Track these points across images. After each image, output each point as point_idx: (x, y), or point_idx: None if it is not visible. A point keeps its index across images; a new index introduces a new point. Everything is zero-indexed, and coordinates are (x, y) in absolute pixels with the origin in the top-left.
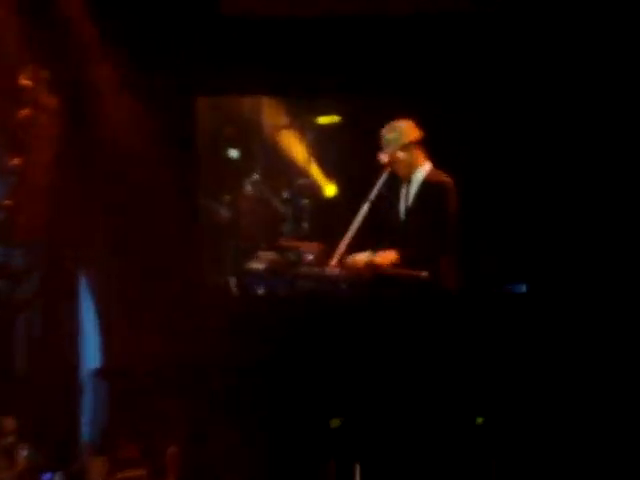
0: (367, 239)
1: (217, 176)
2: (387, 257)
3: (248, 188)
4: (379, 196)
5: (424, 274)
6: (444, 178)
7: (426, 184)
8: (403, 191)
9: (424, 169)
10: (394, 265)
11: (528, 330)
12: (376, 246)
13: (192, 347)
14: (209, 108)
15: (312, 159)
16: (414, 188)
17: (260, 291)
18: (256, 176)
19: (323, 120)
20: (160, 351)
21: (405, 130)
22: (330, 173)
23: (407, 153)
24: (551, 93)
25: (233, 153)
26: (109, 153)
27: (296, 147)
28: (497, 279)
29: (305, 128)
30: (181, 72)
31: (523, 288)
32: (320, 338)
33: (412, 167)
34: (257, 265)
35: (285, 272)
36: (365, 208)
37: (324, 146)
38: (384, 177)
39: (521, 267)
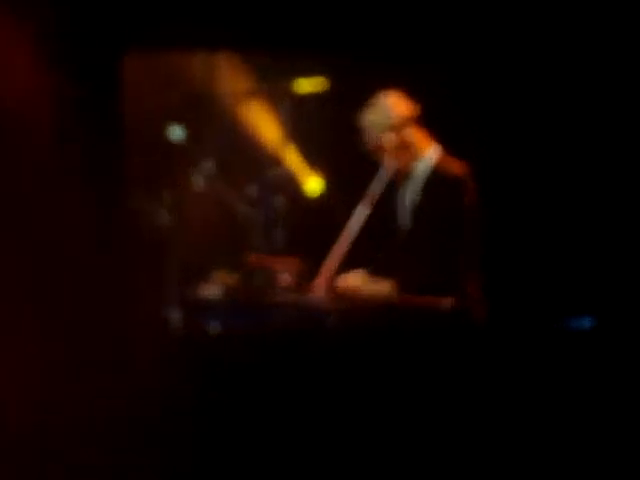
0: (364, 251)
1: (153, 166)
2: (354, 279)
3: (198, 182)
4: (383, 195)
5: (446, 302)
6: (457, 169)
7: (433, 178)
8: (401, 190)
9: (429, 157)
10: (402, 290)
11: (592, 379)
12: (374, 260)
13: (114, 412)
14: (142, 69)
15: (288, 141)
16: (417, 185)
17: (215, 328)
18: (210, 165)
19: (304, 85)
20: (77, 407)
21: (392, 106)
22: (314, 161)
23: (399, 136)
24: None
25: (176, 133)
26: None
27: (266, 124)
28: (546, 309)
29: (278, 96)
30: (102, 18)
31: (586, 323)
32: (300, 393)
33: (412, 156)
34: (211, 291)
35: (251, 300)
36: (363, 211)
37: (305, 123)
38: (386, 168)
39: (583, 294)
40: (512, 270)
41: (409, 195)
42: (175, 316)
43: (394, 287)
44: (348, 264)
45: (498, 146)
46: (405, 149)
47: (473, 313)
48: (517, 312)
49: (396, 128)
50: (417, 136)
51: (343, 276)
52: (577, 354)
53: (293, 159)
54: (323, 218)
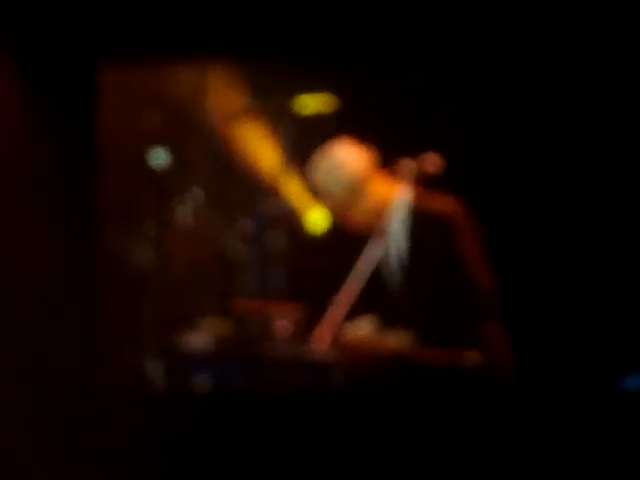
0: (374, 296)
1: (132, 194)
2: (360, 329)
3: (183, 215)
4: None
5: (472, 356)
6: (441, 204)
7: (414, 221)
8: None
9: (403, 197)
10: (420, 342)
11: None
12: (385, 307)
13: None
14: (120, 83)
15: (288, 167)
16: (398, 228)
17: (202, 385)
18: (197, 195)
19: (306, 103)
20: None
21: (351, 164)
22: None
23: (364, 198)
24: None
25: (159, 157)
26: None
27: (262, 148)
28: (587, 366)
29: (277, 116)
30: (77, 26)
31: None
32: (300, 461)
33: (384, 207)
34: (198, 341)
35: (244, 353)
36: (372, 247)
37: (308, 146)
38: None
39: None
40: (541, 321)
41: (394, 244)
42: (156, 370)
43: (411, 338)
44: (356, 311)
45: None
46: (377, 206)
47: (499, 369)
48: (550, 369)
49: (358, 187)
50: (383, 182)
51: (350, 325)
52: (630, 418)
53: (293, 189)
54: (327, 257)
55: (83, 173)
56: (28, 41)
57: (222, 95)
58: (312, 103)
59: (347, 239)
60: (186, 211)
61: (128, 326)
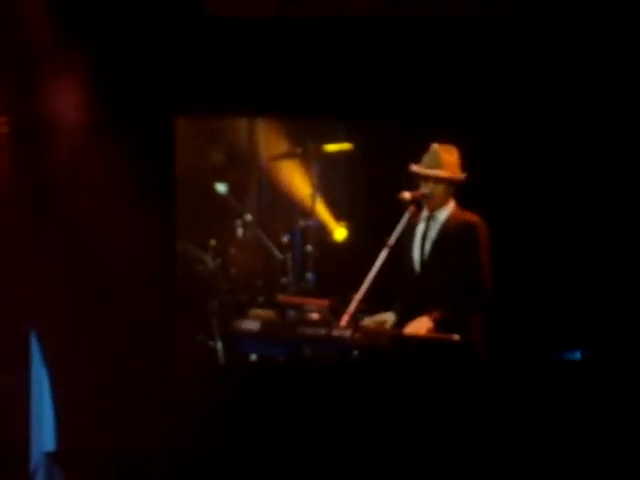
0: (384, 293)
1: (200, 216)
2: (420, 328)
3: (239, 231)
4: (400, 241)
5: (456, 337)
6: (473, 217)
7: (450, 223)
8: (418, 234)
9: (449, 206)
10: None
11: (582, 407)
12: (395, 302)
13: (166, 427)
14: (191, 131)
15: (318, 195)
16: (434, 229)
17: (253, 357)
18: (249, 216)
19: (331, 148)
20: (126, 432)
21: (454, 162)
22: (340, 213)
23: (441, 189)
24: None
25: (221, 188)
26: (64, 190)
27: (299, 181)
28: (541, 343)
29: (310, 157)
30: (157, 86)
31: (577, 355)
32: (327, 417)
33: (437, 205)
34: (250, 325)
35: (284, 334)
36: (383, 256)
37: (333, 180)
38: (406, 218)
39: (573, 328)
40: (510, 309)
41: (425, 240)
42: (219, 347)
43: (430, 325)
44: (371, 304)
45: (510, 201)
46: (438, 200)
47: (477, 348)
48: (515, 346)
49: (446, 181)
50: (449, 190)
51: (369, 318)
52: (569, 383)
53: (322, 211)
54: (349, 263)
55: (163, 202)
56: (116, 94)
57: (268, 142)
58: (335, 148)
59: (363, 249)
60: (241, 229)
61: (199, 314)
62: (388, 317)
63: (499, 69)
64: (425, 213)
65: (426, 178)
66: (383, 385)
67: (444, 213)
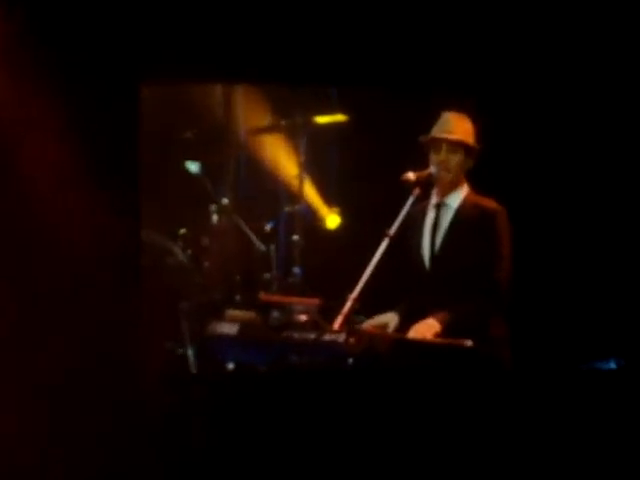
0: (384, 292)
1: (168, 200)
2: (427, 331)
3: (214, 218)
4: (403, 229)
5: (468, 343)
6: (491, 204)
7: (465, 211)
8: (427, 224)
9: (463, 190)
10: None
11: (619, 422)
12: (398, 302)
13: (132, 445)
14: (157, 101)
15: (306, 176)
16: (447, 218)
17: (230, 366)
18: (225, 201)
19: (322, 120)
20: (81, 448)
21: (469, 129)
22: (332, 196)
23: (456, 161)
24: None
25: (192, 167)
26: (11, 169)
27: (284, 158)
28: (571, 351)
29: (297, 131)
30: (118, 49)
31: (612, 364)
32: (317, 435)
33: (451, 186)
34: (226, 329)
35: (267, 339)
36: (383, 247)
37: (324, 157)
38: (410, 203)
39: (607, 334)
40: (537, 312)
41: (437, 227)
42: (190, 354)
43: (438, 329)
44: (369, 303)
45: (535, 187)
46: (453, 177)
47: (497, 355)
48: (543, 354)
49: (462, 152)
50: (463, 169)
51: (367, 322)
52: (603, 395)
53: (311, 194)
54: (343, 255)
55: (125, 184)
56: (74, 60)
57: (248, 114)
58: (326, 121)
59: (359, 239)
60: (216, 214)
61: (168, 315)
62: (390, 319)
63: (521, 24)
64: (435, 199)
65: (437, 147)
66: (382, 398)
67: (457, 198)
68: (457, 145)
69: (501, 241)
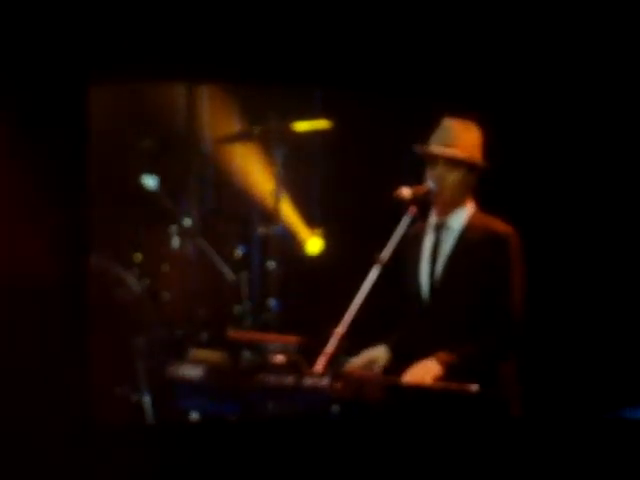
0: (375, 328)
1: (120, 221)
2: (426, 374)
3: (174, 241)
4: (398, 254)
5: (474, 388)
6: (501, 226)
7: (471, 234)
8: (426, 248)
9: (467, 209)
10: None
11: None
12: (391, 339)
13: None
14: (110, 106)
15: (284, 192)
16: (448, 242)
17: (194, 416)
18: (188, 221)
19: (302, 127)
20: None
21: (474, 141)
22: (314, 216)
23: (456, 179)
24: None
25: (150, 182)
26: None
27: (257, 172)
28: (595, 397)
29: (272, 140)
30: (64, 47)
31: None
32: None
33: (454, 205)
34: (190, 372)
35: (237, 384)
36: (374, 275)
37: (304, 170)
38: (406, 222)
39: (636, 377)
40: (549, 353)
41: (437, 252)
42: (147, 400)
43: (438, 371)
44: (360, 342)
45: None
46: (454, 195)
47: (507, 400)
48: (558, 401)
49: (462, 168)
50: (467, 185)
51: (352, 360)
52: (633, 447)
53: (289, 214)
54: (327, 284)
55: (73, 199)
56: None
57: (216, 121)
58: (307, 128)
59: (345, 266)
60: (177, 236)
61: (121, 355)
62: (379, 354)
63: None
64: (434, 219)
65: (434, 162)
66: (373, 453)
67: (460, 219)
68: (456, 161)
69: (513, 269)
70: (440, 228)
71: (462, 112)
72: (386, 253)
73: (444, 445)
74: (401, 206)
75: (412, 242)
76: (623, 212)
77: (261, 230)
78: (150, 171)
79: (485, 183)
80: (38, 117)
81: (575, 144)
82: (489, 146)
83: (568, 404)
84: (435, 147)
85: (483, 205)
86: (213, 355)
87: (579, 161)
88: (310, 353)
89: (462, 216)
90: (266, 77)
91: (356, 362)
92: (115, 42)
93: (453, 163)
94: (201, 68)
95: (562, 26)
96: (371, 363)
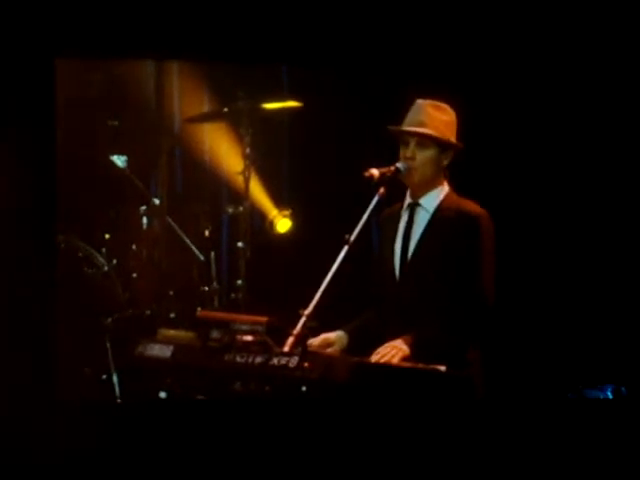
0: (343, 307)
1: (88, 200)
2: (394, 355)
3: (143, 221)
4: (374, 236)
5: (442, 368)
6: (474, 207)
7: (443, 215)
8: (400, 228)
9: (441, 191)
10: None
11: (616, 462)
12: (351, 324)
13: None
14: (75, 83)
15: (253, 172)
16: (421, 223)
17: (162, 395)
18: (156, 201)
19: (271, 106)
20: None
21: (447, 122)
22: (283, 196)
23: (427, 158)
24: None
25: (119, 161)
26: None
27: (226, 151)
28: (560, 377)
29: (241, 119)
30: (30, 19)
31: (608, 392)
32: (263, 475)
33: (426, 186)
34: (158, 351)
35: (205, 363)
36: (342, 255)
37: (274, 150)
38: (375, 202)
39: (602, 357)
40: (517, 331)
41: (409, 233)
42: (115, 380)
43: (406, 351)
44: (329, 321)
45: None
46: (427, 176)
47: (475, 380)
48: (522, 380)
49: (435, 148)
50: (441, 167)
51: (318, 338)
52: (597, 428)
53: (258, 194)
54: (295, 264)
55: (38, 181)
56: None
57: (185, 97)
58: (277, 107)
59: (314, 246)
60: (145, 216)
61: (89, 335)
62: (336, 339)
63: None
64: (408, 200)
65: (406, 142)
66: (341, 433)
67: (434, 200)
68: (428, 139)
69: (484, 249)
70: (414, 209)
71: (436, 94)
72: (354, 234)
73: (410, 425)
74: (371, 186)
75: (388, 224)
76: (600, 202)
77: (230, 210)
78: (119, 151)
79: (460, 165)
80: (4, 91)
81: (554, 125)
82: (465, 128)
83: (531, 385)
84: (407, 126)
85: (458, 188)
86: (182, 335)
87: (558, 145)
88: (278, 333)
89: (435, 197)
90: (233, 55)
91: (312, 343)
92: (82, 15)
93: (425, 143)
94: (166, 46)
95: (537, 3)
96: (328, 346)
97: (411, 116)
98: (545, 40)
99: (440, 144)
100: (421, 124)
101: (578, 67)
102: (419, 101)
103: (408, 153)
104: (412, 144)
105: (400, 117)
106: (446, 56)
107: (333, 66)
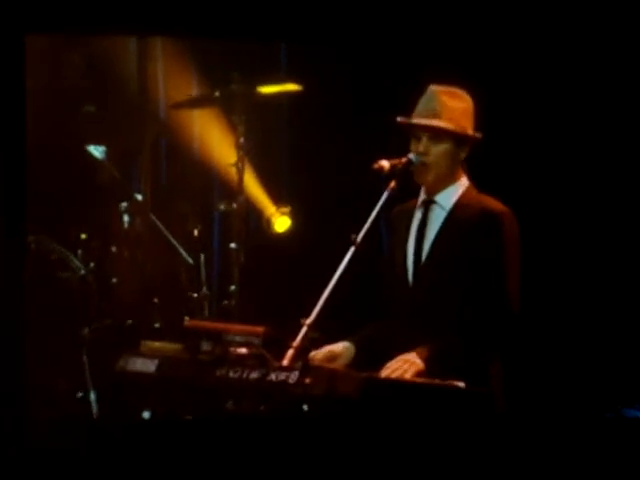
0: (350, 317)
1: (62, 197)
2: (406, 369)
3: (124, 219)
4: (372, 235)
5: (460, 385)
6: (496, 204)
7: (462, 213)
8: (413, 228)
9: (459, 186)
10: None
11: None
12: (358, 334)
13: None
14: (48, 64)
15: (247, 164)
16: (437, 221)
17: (145, 414)
18: (139, 197)
19: (268, 90)
20: None
21: (464, 111)
22: (282, 191)
23: (442, 152)
24: None
25: (96, 152)
26: None
27: (217, 141)
28: (592, 396)
29: (235, 105)
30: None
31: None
32: None
33: (443, 182)
34: (141, 365)
35: (194, 379)
36: (348, 257)
37: (271, 140)
38: (384, 198)
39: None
40: (546, 346)
41: (424, 233)
42: (92, 398)
43: (420, 366)
44: (334, 333)
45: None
46: (443, 171)
47: (496, 398)
48: (552, 400)
49: (450, 141)
50: (458, 160)
51: (321, 350)
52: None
53: (253, 189)
54: (295, 268)
55: (7, 172)
56: None
57: (172, 79)
58: (273, 92)
59: (316, 248)
60: (126, 214)
61: (66, 347)
62: (341, 352)
63: None
64: (422, 196)
65: (417, 135)
66: (348, 457)
67: (451, 196)
68: (443, 132)
69: (508, 253)
70: (428, 206)
71: (450, 78)
72: (362, 234)
73: (425, 450)
74: (381, 180)
75: (399, 222)
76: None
77: (222, 207)
78: (96, 140)
79: (477, 158)
80: None
81: (584, 113)
82: (483, 116)
83: (567, 402)
84: (418, 118)
85: (478, 183)
86: (168, 347)
87: (588, 134)
88: (276, 345)
89: (453, 194)
90: (225, 31)
91: (316, 356)
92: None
93: (439, 136)
94: (152, 19)
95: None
96: (332, 359)
97: (423, 105)
98: (573, 17)
99: (456, 137)
100: (434, 114)
101: (611, 45)
102: (432, 87)
103: (421, 148)
104: (425, 138)
105: (411, 105)
106: (462, 36)
107: (337, 45)
